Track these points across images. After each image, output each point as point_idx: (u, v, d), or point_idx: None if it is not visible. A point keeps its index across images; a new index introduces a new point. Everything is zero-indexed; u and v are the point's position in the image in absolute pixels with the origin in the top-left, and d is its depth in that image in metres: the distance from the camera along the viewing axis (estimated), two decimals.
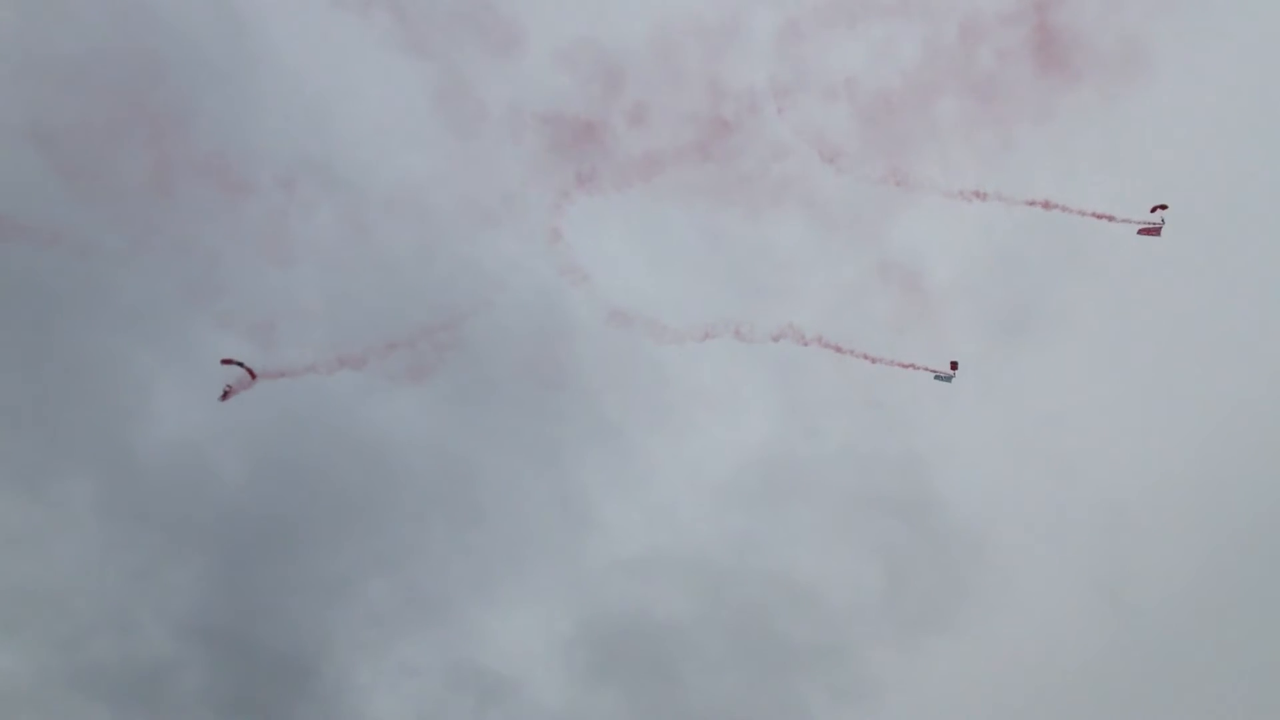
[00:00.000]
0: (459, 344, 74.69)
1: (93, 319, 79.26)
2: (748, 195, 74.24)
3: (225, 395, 68.01)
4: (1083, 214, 67.42)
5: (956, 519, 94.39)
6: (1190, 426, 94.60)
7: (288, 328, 71.18)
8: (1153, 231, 69.92)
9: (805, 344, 72.77)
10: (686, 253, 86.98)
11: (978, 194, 68.49)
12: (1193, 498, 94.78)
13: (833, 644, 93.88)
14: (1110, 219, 67.17)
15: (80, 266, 69.51)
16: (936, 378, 72.96)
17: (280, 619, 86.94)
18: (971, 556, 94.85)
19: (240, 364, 66.70)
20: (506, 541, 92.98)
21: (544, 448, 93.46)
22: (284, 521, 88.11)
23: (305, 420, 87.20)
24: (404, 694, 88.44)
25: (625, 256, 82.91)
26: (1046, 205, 68.14)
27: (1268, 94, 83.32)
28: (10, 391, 79.44)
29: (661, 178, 71.26)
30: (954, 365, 72.42)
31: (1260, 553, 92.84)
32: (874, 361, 72.57)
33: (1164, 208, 69.58)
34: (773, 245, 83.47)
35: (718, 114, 70.64)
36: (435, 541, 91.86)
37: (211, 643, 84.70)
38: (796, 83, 69.10)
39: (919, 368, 72.46)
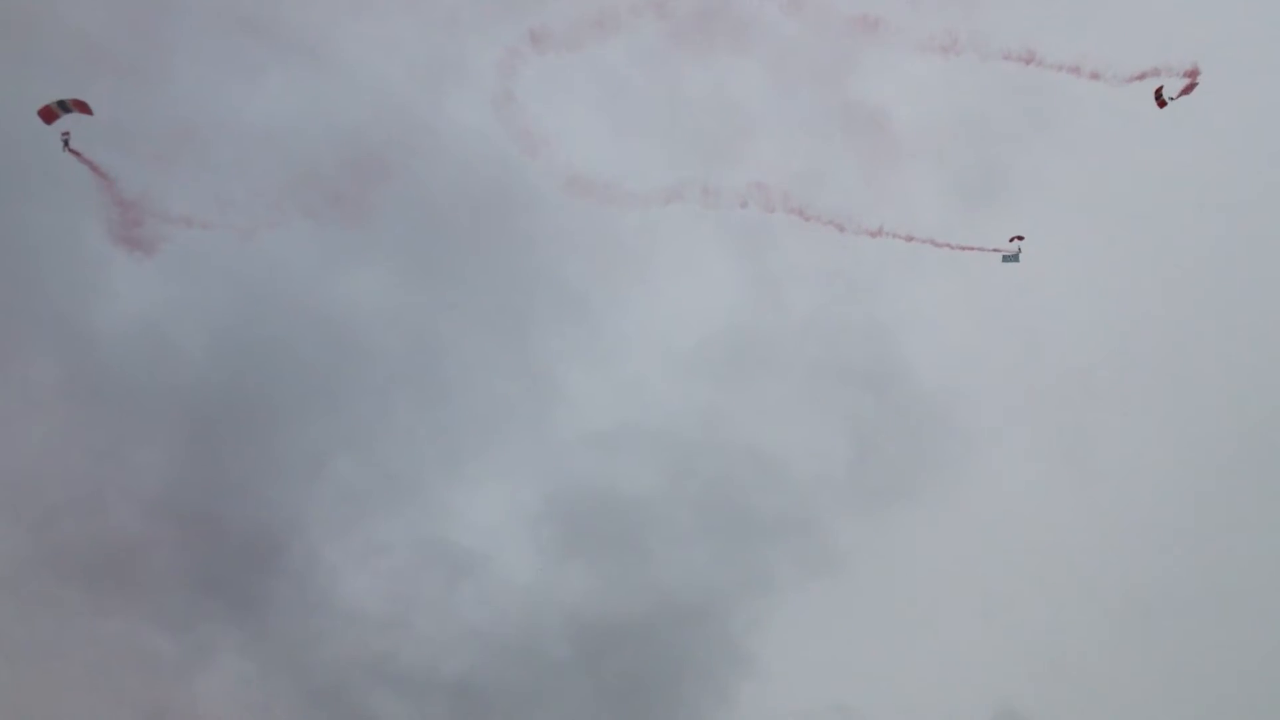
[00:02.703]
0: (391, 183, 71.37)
1: (40, 194, 76.05)
2: (708, 53, 71.41)
3: (66, 145, 63.63)
4: (1059, 69, 64.21)
5: (922, 388, 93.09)
6: (1156, 294, 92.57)
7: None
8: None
9: (771, 211, 70.44)
10: (646, 114, 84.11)
11: (948, 46, 65.16)
12: (1159, 365, 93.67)
13: (799, 515, 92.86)
14: (1094, 76, 63.84)
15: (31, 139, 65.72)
16: (1005, 258, 70.75)
17: (248, 496, 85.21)
18: (937, 426, 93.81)
19: (64, 106, 62.02)
20: (472, 416, 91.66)
21: (508, 320, 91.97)
22: (249, 398, 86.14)
23: (266, 295, 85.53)
24: (374, 570, 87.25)
25: (582, 119, 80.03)
26: (1027, 60, 64.90)
27: None
28: None
29: (617, 37, 68.09)
30: (1016, 240, 70.52)
31: (1228, 418, 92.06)
32: (938, 245, 70.55)
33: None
34: (735, 104, 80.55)
35: None
36: (401, 417, 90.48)
37: (180, 521, 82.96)
38: None
39: (983, 249, 70.42)
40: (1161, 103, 65.24)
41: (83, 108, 61.89)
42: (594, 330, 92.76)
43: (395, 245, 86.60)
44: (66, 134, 62.91)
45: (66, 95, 61.47)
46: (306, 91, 78.37)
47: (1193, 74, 60.88)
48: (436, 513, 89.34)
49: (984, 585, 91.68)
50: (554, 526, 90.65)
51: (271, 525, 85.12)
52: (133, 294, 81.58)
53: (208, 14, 76.11)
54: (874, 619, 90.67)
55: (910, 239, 70.56)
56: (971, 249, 70.81)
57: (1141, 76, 62.16)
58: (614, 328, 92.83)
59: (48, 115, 61.49)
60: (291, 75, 78.20)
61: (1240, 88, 74.36)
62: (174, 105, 72.02)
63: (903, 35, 64.98)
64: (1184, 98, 64.50)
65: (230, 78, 76.64)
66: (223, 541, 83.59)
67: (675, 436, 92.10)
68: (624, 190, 70.87)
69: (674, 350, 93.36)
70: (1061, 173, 75.97)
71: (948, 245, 70.97)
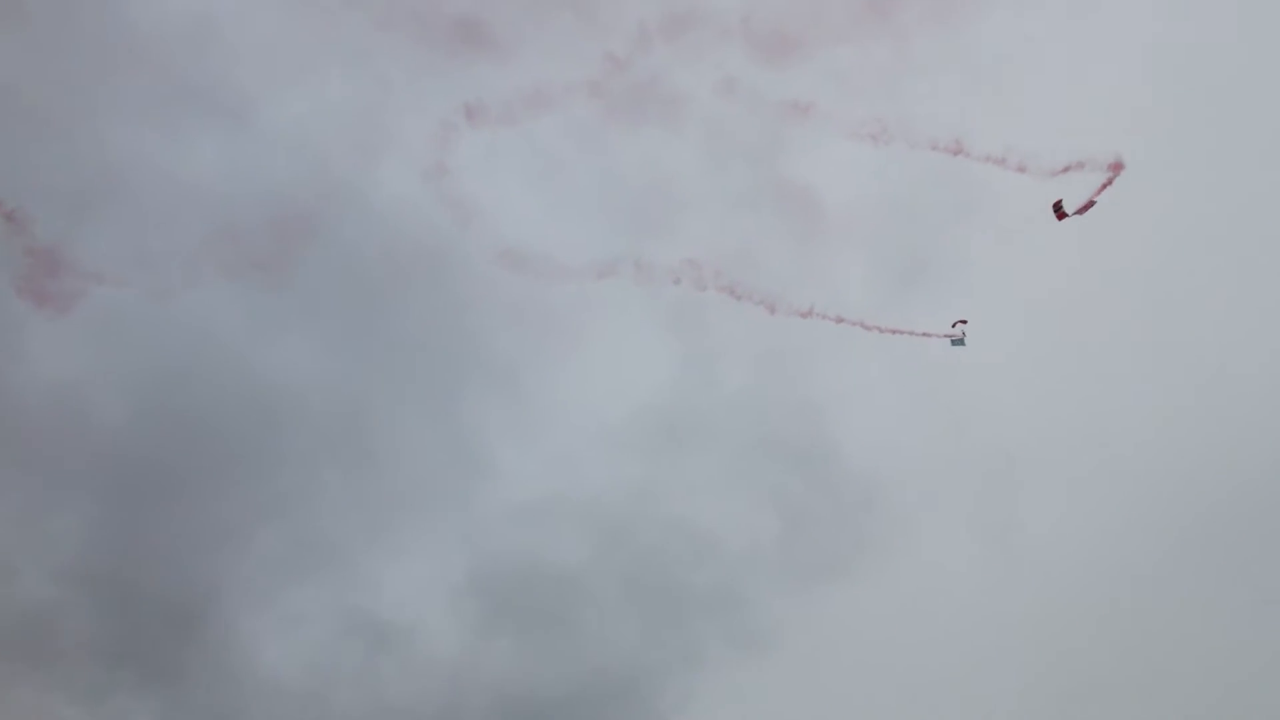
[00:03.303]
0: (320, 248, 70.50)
1: None
2: (641, 131, 71.54)
3: None
4: (986, 160, 64.73)
5: (852, 467, 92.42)
6: (1082, 377, 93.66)
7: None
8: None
9: (703, 289, 70.26)
10: (580, 189, 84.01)
11: (878, 134, 65.52)
12: (1085, 447, 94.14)
13: (729, 591, 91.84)
14: (1020, 169, 64.45)
15: None
16: (954, 343, 70.84)
17: (166, 565, 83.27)
18: (867, 504, 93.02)
19: None
20: (400, 486, 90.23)
21: (438, 391, 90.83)
22: (170, 465, 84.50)
23: (191, 360, 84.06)
24: (293, 642, 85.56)
25: (515, 193, 79.62)
26: (954, 151, 65.36)
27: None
28: None
29: (551, 113, 68.07)
30: (960, 324, 70.67)
31: (1155, 500, 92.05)
32: (867, 328, 70.52)
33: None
34: (668, 182, 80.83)
35: (608, 49, 67.42)
36: (327, 486, 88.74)
37: (94, 589, 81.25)
38: (689, 16, 66.09)
39: (912, 333, 70.45)
40: (1061, 215, 65.86)
41: None
42: (524, 402, 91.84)
43: (325, 312, 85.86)
44: None
45: None
46: (237, 153, 78.32)
47: (1116, 167, 61.38)
48: (360, 584, 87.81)
49: (912, 664, 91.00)
50: (479, 599, 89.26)
51: (189, 594, 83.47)
52: (50, 356, 79.77)
53: (145, 71, 75.51)
54: (803, 696, 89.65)
55: (840, 320, 70.46)
56: (901, 332, 70.84)
57: (1066, 169, 62.59)
58: (544, 400, 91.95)
59: None
60: (223, 136, 78.45)
61: (1164, 180, 76.14)
62: (99, 157, 70.86)
63: (833, 121, 65.28)
64: (1085, 211, 65.39)
65: (160, 134, 75.81)
66: (138, 610, 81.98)
67: (604, 510, 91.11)
68: (557, 264, 70.46)
69: (604, 423, 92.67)
70: (988, 259, 76.67)
71: (877, 328, 70.95)
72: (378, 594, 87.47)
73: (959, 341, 70.82)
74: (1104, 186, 62.26)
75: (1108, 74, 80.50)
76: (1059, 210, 65.75)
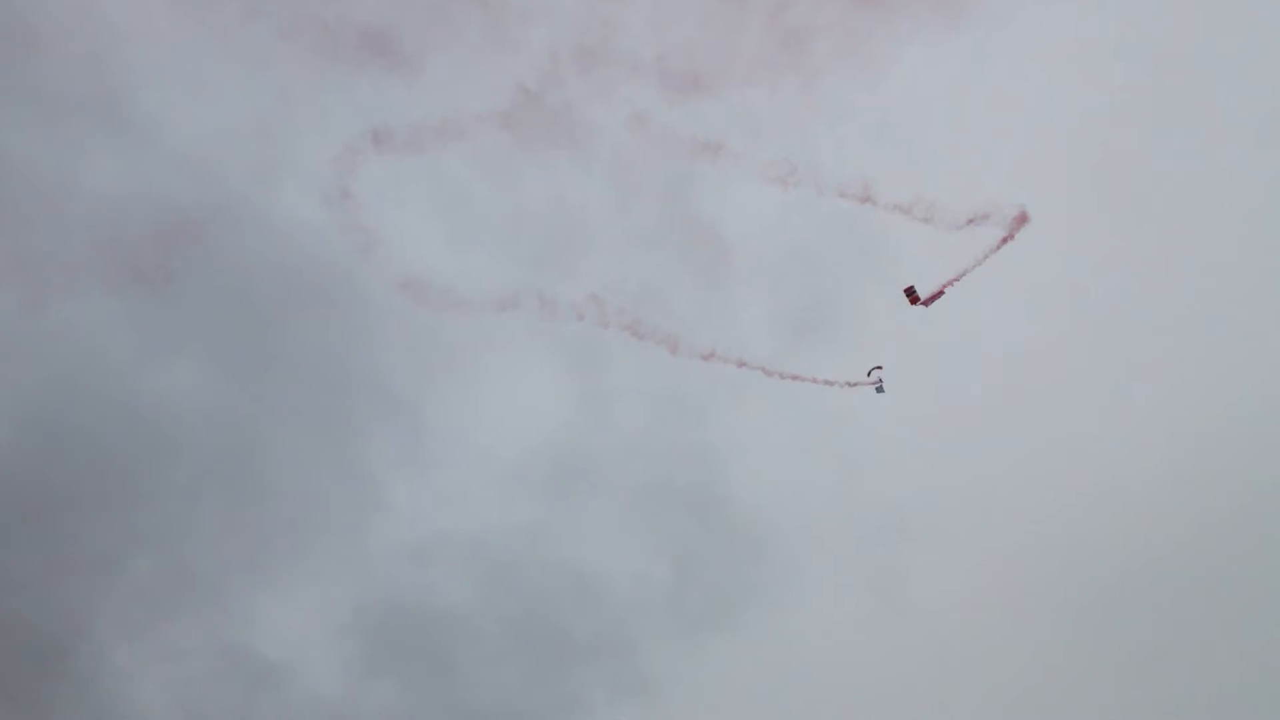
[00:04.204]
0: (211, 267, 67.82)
1: None
2: (549, 164, 70.34)
3: None
4: (892, 208, 64.37)
5: (744, 514, 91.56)
6: (974, 434, 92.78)
7: None
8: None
9: (606, 326, 68.89)
10: (485, 220, 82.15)
11: (787, 177, 64.84)
12: (974, 504, 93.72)
13: (615, 638, 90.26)
14: (927, 220, 64.21)
15: None
16: (878, 390, 70.30)
17: (33, 593, 79.64)
18: (757, 553, 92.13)
19: None
20: (285, 518, 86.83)
21: (330, 421, 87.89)
22: (41, 486, 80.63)
23: (68, 377, 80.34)
24: (167, 678, 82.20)
25: (419, 221, 77.91)
26: (862, 198, 64.87)
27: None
28: None
29: (459, 143, 66.45)
30: (876, 370, 69.96)
31: (1040, 559, 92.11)
32: (768, 374, 69.57)
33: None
34: (574, 217, 79.14)
35: (520, 80, 66.08)
36: (208, 515, 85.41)
37: None
38: (601, 49, 65.20)
39: (815, 380, 69.54)
40: (914, 299, 66.52)
41: None
42: (419, 436, 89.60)
43: (216, 333, 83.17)
44: None
45: None
46: (130, 163, 75.16)
47: (1021, 219, 61.40)
48: (239, 618, 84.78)
49: (796, 714, 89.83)
50: (364, 638, 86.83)
51: (57, 625, 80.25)
52: None
53: (44, 82, 72.38)
54: None
55: (742, 365, 69.48)
56: (804, 379, 70.07)
57: (971, 221, 62.46)
58: (439, 435, 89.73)
59: None
60: (116, 145, 75.02)
61: (1068, 232, 76.87)
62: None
63: (742, 161, 64.58)
64: (938, 300, 66.38)
65: (48, 141, 72.76)
66: (2, 640, 78.56)
67: (494, 550, 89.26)
68: (458, 296, 68.73)
69: (499, 462, 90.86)
70: (887, 310, 76.30)
71: (779, 374, 70.03)
72: (258, 630, 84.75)
73: (880, 389, 70.31)
74: (1006, 240, 62.18)
75: (1016, 125, 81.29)
76: (911, 295, 66.58)
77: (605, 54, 65.05)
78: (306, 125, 72.71)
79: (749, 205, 75.07)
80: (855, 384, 70.54)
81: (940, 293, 65.76)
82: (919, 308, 67.12)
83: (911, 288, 66.43)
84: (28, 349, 77.83)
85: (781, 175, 64.46)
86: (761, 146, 64.67)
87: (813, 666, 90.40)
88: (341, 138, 66.15)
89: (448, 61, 66.74)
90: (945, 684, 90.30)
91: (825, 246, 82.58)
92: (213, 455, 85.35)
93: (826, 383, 70.67)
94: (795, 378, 70.66)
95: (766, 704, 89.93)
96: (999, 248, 62.64)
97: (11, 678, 78.34)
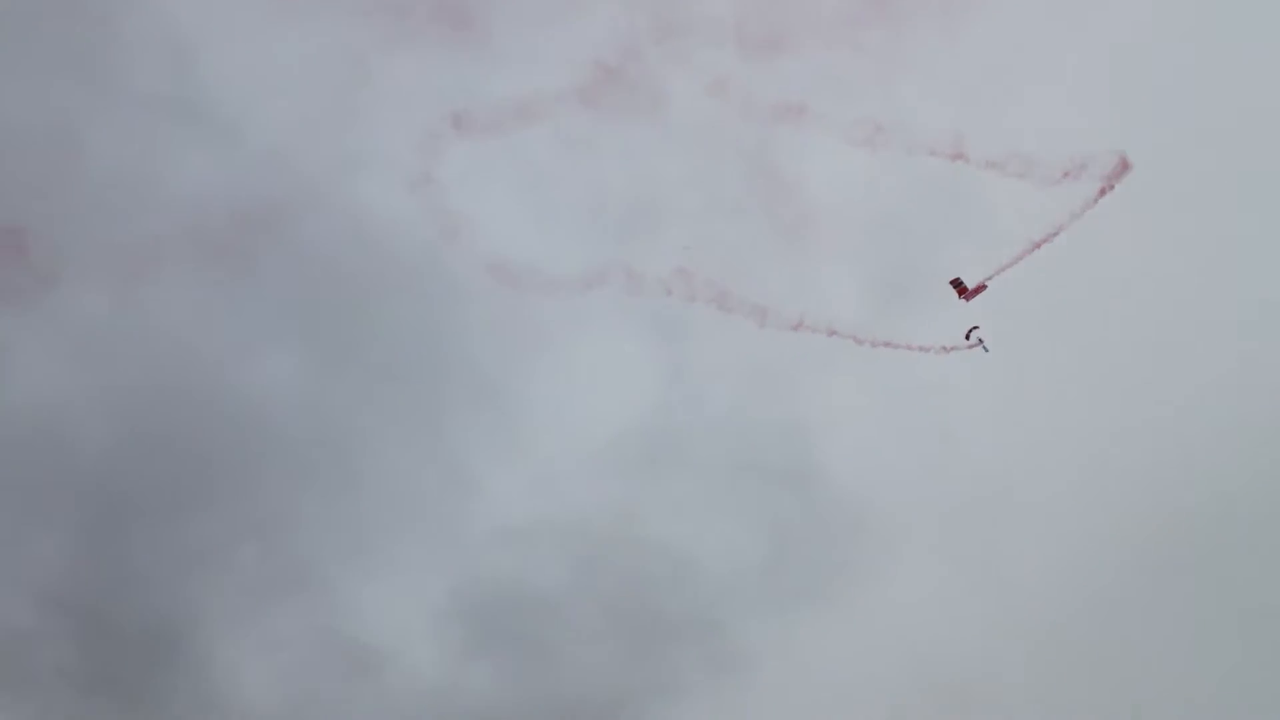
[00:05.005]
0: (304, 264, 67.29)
1: None
2: (632, 138, 68.97)
3: None
4: (984, 165, 61.88)
5: (838, 489, 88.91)
6: (1075, 401, 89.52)
7: None
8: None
9: (693, 300, 67.32)
10: (569, 199, 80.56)
11: (873, 138, 62.70)
12: (1074, 474, 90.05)
13: (710, 617, 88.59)
14: (1021, 176, 61.56)
15: None
16: (983, 348, 68.47)
17: (144, 590, 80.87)
18: (852, 528, 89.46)
19: None
20: (381, 506, 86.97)
21: (422, 409, 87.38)
22: (147, 485, 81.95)
23: (167, 378, 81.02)
24: (273, 667, 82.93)
25: (503, 204, 75.89)
26: (952, 157, 62.42)
27: None
28: None
29: (540, 123, 65.58)
30: (974, 331, 67.90)
31: (1144, 528, 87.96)
32: (859, 342, 68.00)
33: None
34: (658, 190, 77.71)
35: (597, 54, 64.69)
36: (306, 507, 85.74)
37: (72, 616, 78.98)
38: (678, 15, 63.65)
39: (909, 347, 67.49)
40: (961, 290, 65.62)
41: None
42: (509, 421, 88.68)
43: (307, 327, 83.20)
44: None
45: None
46: (216, 159, 75.42)
47: (1121, 167, 58.48)
48: (339, 607, 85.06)
49: (893, 691, 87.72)
50: (461, 623, 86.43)
51: (167, 619, 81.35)
52: (29, 378, 78.03)
53: (127, 82, 73.06)
54: None
55: (832, 334, 67.39)
56: (896, 346, 67.75)
57: (1066, 174, 59.66)
58: (529, 418, 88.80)
59: None
60: (203, 142, 75.42)
61: (1171, 178, 73.31)
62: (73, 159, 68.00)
63: (827, 124, 62.59)
64: (978, 295, 65.89)
65: (138, 138, 73.38)
66: (116, 636, 79.81)
67: (587, 533, 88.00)
68: (545, 276, 67.63)
69: (589, 443, 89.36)
70: (982, 271, 73.67)
71: (870, 342, 67.85)
72: (358, 617, 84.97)
73: (984, 347, 67.73)
74: (1105, 190, 59.31)
75: (1113, 71, 77.71)
76: (959, 288, 65.69)
77: (682, 19, 63.69)
78: (386, 113, 72.18)
79: (835, 168, 72.78)
80: (952, 348, 67.97)
81: (982, 287, 64.17)
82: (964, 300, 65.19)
83: (958, 279, 64.83)
84: (123, 349, 79.04)
85: (868, 136, 62.64)
86: (846, 107, 63.21)
87: (908, 642, 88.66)
88: (421, 123, 66.19)
89: (523, 39, 66.16)
90: (1046, 659, 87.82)
91: (915, 208, 79.59)
92: (308, 447, 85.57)
93: (921, 349, 68.24)
94: (888, 345, 68.45)
95: (863, 680, 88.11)
96: (1098, 199, 59.85)
97: (126, 671, 79.71)
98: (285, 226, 70.52)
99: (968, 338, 67.82)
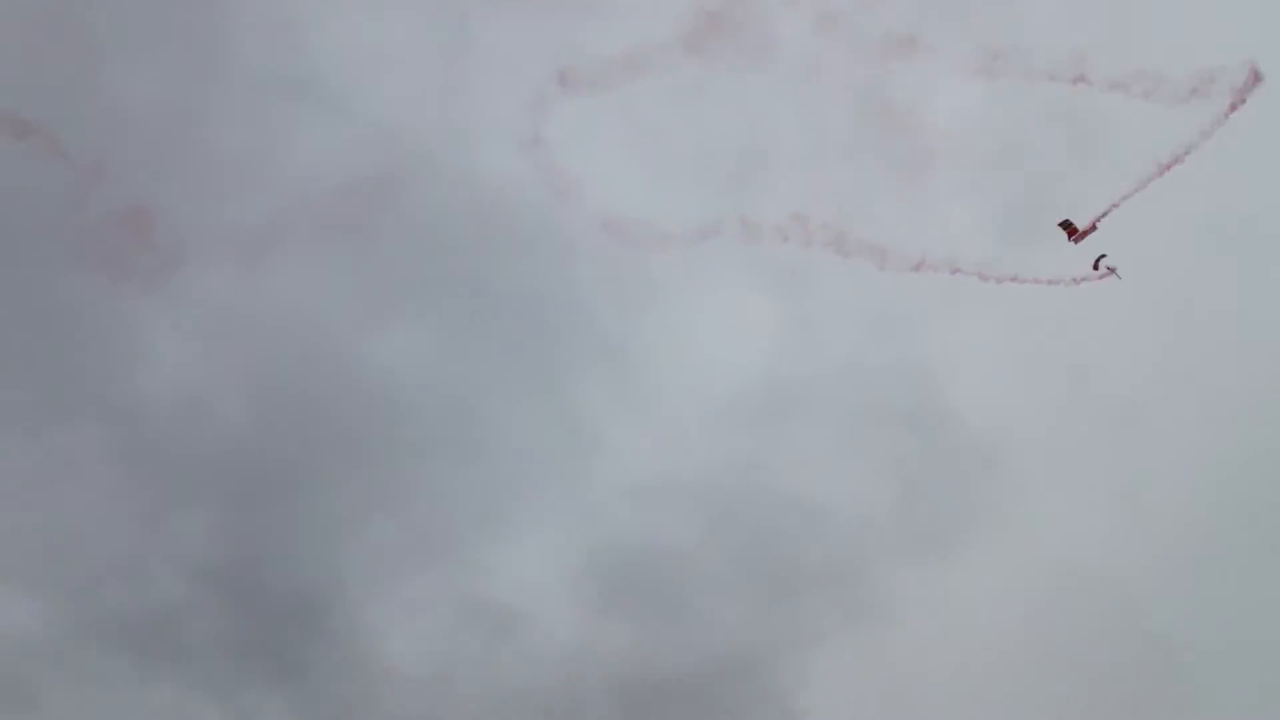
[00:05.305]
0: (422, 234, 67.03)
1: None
2: (739, 83, 67.23)
3: None
4: (1107, 87, 58.77)
5: (969, 429, 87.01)
6: (1205, 322, 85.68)
7: None
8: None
9: (810, 245, 65.56)
10: (679, 150, 79.14)
11: (988, 67, 60.12)
12: (1215, 395, 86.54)
13: (844, 563, 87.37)
14: (1147, 96, 58.28)
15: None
16: (1116, 275, 65.12)
17: (289, 560, 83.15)
18: (986, 468, 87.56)
19: None
20: (509, 472, 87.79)
21: (543, 372, 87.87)
22: (286, 460, 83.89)
23: (299, 354, 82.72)
24: (415, 631, 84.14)
25: (613, 160, 75.33)
26: (1073, 79, 59.41)
27: None
28: (11, 340, 75.39)
29: (646, 75, 64.22)
30: (1101, 259, 64.80)
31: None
32: (984, 278, 65.33)
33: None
34: (769, 134, 75.95)
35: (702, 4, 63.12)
36: (438, 474, 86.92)
37: (223, 586, 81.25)
38: None
39: (1074, 281, 64.92)
40: (1072, 231, 62.78)
41: None
42: (630, 377, 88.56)
43: (423, 295, 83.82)
44: None
45: None
46: (326, 136, 76.44)
47: (1252, 78, 54.94)
48: (475, 571, 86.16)
49: (1039, 630, 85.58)
50: (594, 582, 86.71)
51: (312, 588, 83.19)
52: (171, 358, 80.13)
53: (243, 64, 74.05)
54: (925, 669, 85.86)
55: (955, 271, 65.07)
56: (1022, 281, 65.09)
57: (1195, 90, 56.33)
58: (650, 376, 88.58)
59: None
60: (314, 121, 76.65)
61: None
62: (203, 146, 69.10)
63: (940, 55, 60.16)
64: (1090, 234, 62.74)
65: (256, 111, 74.71)
66: (265, 605, 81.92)
67: (715, 486, 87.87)
68: (659, 230, 66.58)
69: (712, 397, 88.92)
70: (1108, 198, 70.49)
71: (995, 278, 65.32)
72: (494, 580, 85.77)
73: (1117, 274, 64.81)
74: (1235, 105, 55.92)
75: None
76: (1069, 229, 63.23)
77: None
78: (492, 77, 72.01)
79: (951, 101, 70.56)
80: (1082, 280, 65.02)
81: (1092, 227, 61.77)
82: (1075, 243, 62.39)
83: (1068, 221, 62.53)
84: (252, 326, 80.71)
85: (983, 64, 59.91)
86: (959, 36, 60.51)
87: (1052, 579, 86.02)
88: (528, 84, 65.56)
89: None
90: (1191, 587, 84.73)
91: (1036, 136, 76.11)
92: (435, 413, 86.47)
93: (1050, 283, 65.47)
94: (1014, 280, 65.86)
95: (1007, 621, 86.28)
96: (1228, 115, 56.46)
97: (276, 639, 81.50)
98: (399, 196, 70.73)
99: (1096, 267, 64.69)
